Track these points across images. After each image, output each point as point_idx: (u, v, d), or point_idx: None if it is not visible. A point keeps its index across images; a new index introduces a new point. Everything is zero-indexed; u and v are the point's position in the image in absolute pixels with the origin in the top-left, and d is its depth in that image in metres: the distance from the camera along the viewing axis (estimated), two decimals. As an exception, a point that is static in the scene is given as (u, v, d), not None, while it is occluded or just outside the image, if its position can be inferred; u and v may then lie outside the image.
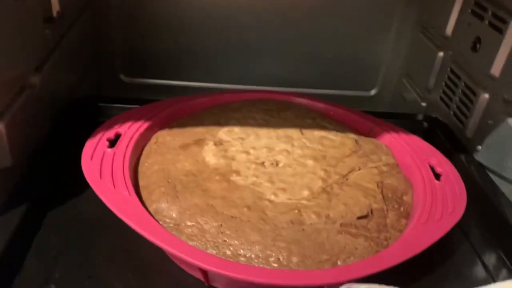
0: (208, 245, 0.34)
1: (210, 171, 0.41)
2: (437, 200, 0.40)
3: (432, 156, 0.46)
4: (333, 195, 0.39)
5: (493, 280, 0.39)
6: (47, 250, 0.38)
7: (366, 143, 0.47)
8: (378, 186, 0.41)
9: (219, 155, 0.43)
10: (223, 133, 0.46)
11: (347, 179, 0.41)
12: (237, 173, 0.40)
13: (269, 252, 0.33)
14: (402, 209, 0.40)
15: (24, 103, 0.44)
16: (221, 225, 0.35)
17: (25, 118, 0.44)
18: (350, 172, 0.42)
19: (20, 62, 0.43)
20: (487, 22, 0.53)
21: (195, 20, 0.71)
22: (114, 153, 0.41)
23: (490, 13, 0.52)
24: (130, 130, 0.45)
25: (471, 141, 0.55)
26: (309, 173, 0.41)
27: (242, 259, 0.33)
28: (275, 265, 0.33)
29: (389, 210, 0.39)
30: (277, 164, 0.42)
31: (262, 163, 0.42)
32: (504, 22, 0.50)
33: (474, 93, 0.54)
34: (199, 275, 0.35)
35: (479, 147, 0.54)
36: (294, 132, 0.47)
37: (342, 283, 0.30)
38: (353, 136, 0.48)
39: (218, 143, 0.44)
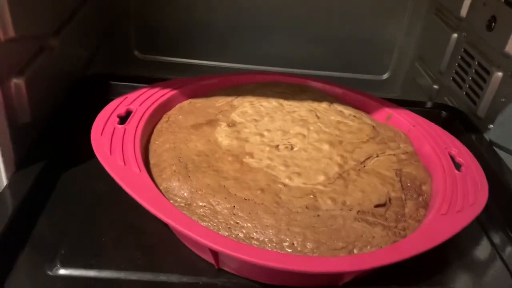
0: (220, 227, 0.33)
1: (222, 151, 0.39)
2: (457, 191, 0.38)
3: (452, 146, 0.44)
4: (350, 181, 0.37)
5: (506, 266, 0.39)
6: (55, 223, 0.37)
7: (384, 129, 0.46)
8: (396, 174, 0.39)
9: (232, 136, 0.41)
10: (237, 114, 0.45)
11: (364, 166, 0.40)
12: (251, 155, 0.39)
13: (283, 237, 0.32)
14: (421, 199, 0.38)
15: (43, 63, 0.44)
16: (234, 206, 0.34)
17: (43, 78, 0.44)
18: (367, 158, 0.41)
19: (40, 22, 0.43)
20: (503, 0, 0.52)
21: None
22: (125, 130, 0.40)
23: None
24: (142, 108, 0.44)
25: (483, 121, 0.55)
26: (325, 158, 0.40)
27: (255, 242, 0.32)
28: (289, 250, 0.32)
29: (408, 199, 0.37)
30: (292, 148, 0.41)
31: (277, 146, 0.41)
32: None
33: (487, 72, 0.54)
34: (209, 257, 0.34)
35: (491, 126, 0.53)
36: (309, 116, 0.45)
37: (357, 271, 0.29)
38: (370, 122, 0.46)
39: (231, 124, 0.43)
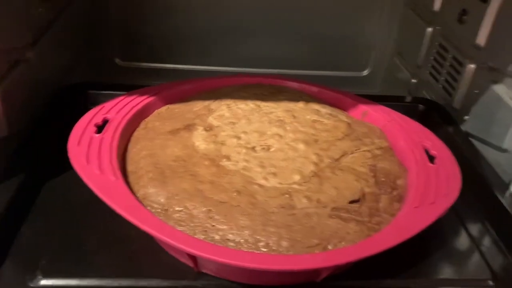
0: (197, 230, 0.33)
1: (199, 156, 0.40)
2: (430, 183, 0.39)
3: (426, 139, 0.45)
4: (325, 179, 0.38)
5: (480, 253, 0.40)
6: (36, 234, 0.37)
7: (359, 126, 0.47)
8: (370, 170, 0.40)
9: (209, 140, 0.42)
10: (214, 118, 0.45)
11: (339, 163, 0.40)
12: (227, 158, 0.40)
13: (258, 237, 0.33)
14: (395, 193, 0.39)
15: (19, 75, 0.44)
16: (210, 210, 0.34)
17: (20, 90, 0.44)
18: (342, 155, 0.41)
19: (14, 35, 0.43)
20: None
21: (190, 2, 0.71)
22: (102, 139, 0.41)
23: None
24: (118, 116, 0.44)
25: (458, 112, 0.56)
26: (301, 157, 0.40)
27: (231, 244, 0.32)
28: (265, 249, 0.32)
29: (382, 194, 0.38)
30: (268, 149, 0.41)
31: (253, 148, 0.41)
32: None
33: (461, 64, 0.55)
34: (188, 261, 0.34)
35: (466, 117, 0.55)
36: (286, 116, 0.46)
37: (332, 267, 0.30)
38: (346, 119, 0.47)
39: (208, 128, 0.44)
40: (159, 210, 0.35)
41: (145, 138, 0.43)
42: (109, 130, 0.42)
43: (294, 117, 0.46)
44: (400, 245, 0.33)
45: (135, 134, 0.44)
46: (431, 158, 0.43)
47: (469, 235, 0.42)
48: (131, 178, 0.38)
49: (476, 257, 0.40)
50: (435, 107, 0.58)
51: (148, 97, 0.48)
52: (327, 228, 0.34)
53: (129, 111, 0.45)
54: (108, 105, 0.46)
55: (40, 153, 0.45)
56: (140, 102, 0.47)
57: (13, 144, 0.43)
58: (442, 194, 0.38)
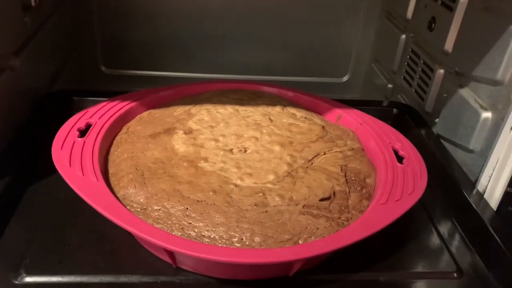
0: (174, 228, 0.35)
1: (178, 158, 0.42)
2: (398, 182, 0.41)
3: (396, 141, 0.48)
4: (298, 178, 0.40)
5: (447, 247, 0.42)
6: (20, 234, 0.39)
7: (333, 129, 0.49)
8: (341, 170, 0.42)
9: (189, 143, 0.44)
10: (194, 122, 0.47)
11: (312, 163, 0.43)
12: (205, 159, 0.42)
13: (232, 233, 0.35)
14: (364, 191, 0.41)
15: (4, 83, 0.45)
16: (187, 208, 0.36)
17: (4, 98, 0.45)
18: (315, 156, 0.43)
19: None
20: (439, 2, 0.56)
21: (172, 11, 0.73)
22: (84, 142, 0.42)
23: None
24: (101, 121, 0.46)
25: (430, 115, 0.59)
26: (276, 159, 0.42)
27: (206, 240, 0.34)
28: (238, 245, 0.34)
29: (352, 192, 0.40)
30: (245, 151, 0.43)
31: (231, 150, 0.43)
32: (454, 0, 0.53)
33: (431, 69, 0.58)
34: (166, 257, 0.36)
35: (437, 120, 0.57)
36: (263, 120, 0.48)
37: (302, 260, 0.32)
38: (320, 122, 0.49)
39: (188, 131, 0.46)
40: (138, 209, 0.37)
41: (127, 142, 0.45)
42: (91, 134, 0.43)
43: (271, 120, 0.48)
44: (371, 241, 0.35)
45: (117, 138, 0.46)
46: (400, 159, 0.45)
47: (437, 231, 0.44)
48: (112, 180, 0.40)
49: (443, 252, 0.42)
50: (408, 110, 0.61)
51: (130, 103, 0.50)
52: (298, 224, 0.36)
53: (111, 116, 0.47)
54: (91, 110, 0.47)
55: (25, 157, 0.46)
56: (123, 107, 0.49)
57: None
58: (408, 192, 0.40)
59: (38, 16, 0.56)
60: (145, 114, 0.50)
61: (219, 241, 0.34)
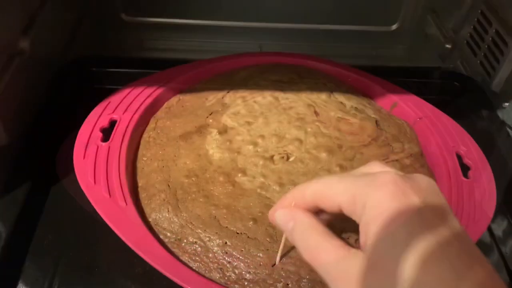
0: (212, 267, 0.32)
1: (213, 169, 0.37)
2: (463, 205, 0.36)
3: (461, 143, 0.41)
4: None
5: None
6: (47, 251, 0.36)
7: (388, 125, 0.43)
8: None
9: (224, 147, 0.39)
10: (228, 116, 0.41)
11: (364, 178, 0.37)
12: (243, 172, 0.37)
13: (276, 277, 0.31)
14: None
15: (14, 74, 0.40)
16: (226, 243, 0.33)
17: (17, 91, 0.40)
18: (368, 167, 0.38)
19: (4, 24, 0.38)
20: None
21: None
22: (109, 148, 0.38)
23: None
24: (126, 116, 0.41)
25: (497, 96, 0.51)
26: (323, 170, 0.37)
27: (248, 284, 0.31)
28: (283, 291, 0.31)
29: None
30: (287, 158, 0.38)
31: (271, 157, 0.38)
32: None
33: (505, 43, 0.49)
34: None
35: (506, 104, 0.50)
36: (307, 113, 0.42)
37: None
38: (373, 115, 0.43)
39: (223, 130, 0.40)
40: (172, 240, 0.33)
41: (156, 143, 0.40)
42: (116, 136, 0.39)
43: (316, 114, 0.42)
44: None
45: (145, 136, 0.41)
46: (465, 168, 0.40)
47: (490, 231, 0.39)
48: (142, 197, 0.36)
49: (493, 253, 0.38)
50: (471, 86, 0.53)
51: (157, 88, 0.44)
52: (349, 264, 0.32)
53: (137, 108, 0.42)
54: (114, 100, 0.42)
55: (44, 155, 0.42)
56: (149, 95, 0.43)
57: (16, 149, 0.40)
58: (474, 219, 0.35)
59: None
60: (174, 101, 0.44)
61: (262, 286, 0.31)
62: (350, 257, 0.23)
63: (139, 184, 0.37)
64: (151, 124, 0.42)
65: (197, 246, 0.33)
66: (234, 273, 0.32)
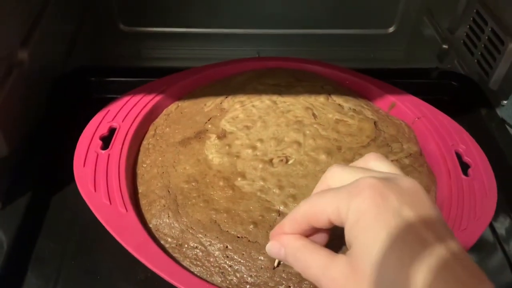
0: (213, 271, 0.32)
1: (213, 173, 0.37)
2: (463, 203, 0.36)
3: (459, 141, 0.41)
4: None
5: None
6: (49, 259, 0.36)
7: (387, 125, 0.43)
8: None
9: (223, 152, 0.39)
10: (227, 121, 0.42)
11: (364, 179, 0.37)
12: (243, 176, 0.37)
13: (278, 279, 0.31)
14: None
15: (14, 84, 0.40)
16: (227, 247, 0.32)
17: (17, 102, 0.41)
18: (367, 168, 0.38)
19: (3, 36, 0.39)
20: None
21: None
22: (109, 156, 0.38)
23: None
24: (125, 124, 0.41)
25: (495, 94, 0.51)
26: (322, 173, 0.37)
27: (250, 287, 0.31)
28: (285, 294, 0.31)
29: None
30: (287, 161, 0.38)
31: (270, 161, 0.38)
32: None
33: (501, 42, 0.49)
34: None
35: (504, 102, 0.50)
36: (305, 116, 0.42)
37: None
38: (372, 116, 0.43)
39: (222, 135, 0.40)
40: (173, 245, 0.33)
41: (155, 150, 0.40)
42: (115, 144, 0.39)
43: (315, 116, 0.42)
44: None
45: (144, 143, 0.41)
46: (464, 166, 0.40)
47: (492, 227, 0.39)
48: (143, 203, 0.36)
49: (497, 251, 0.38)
50: (468, 85, 0.53)
51: (155, 95, 0.44)
52: (351, 265, 0.32)
53: (136, 116, 0.42)
54: (113, 109, 0.42)
55: (45, 162, 0.43)
56: (148, 103, 0.43)
57: (16, 158, 0.41)
58: (475, 217, 0.35)
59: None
60: (172, 108, 0.44)
61: (264, 289, 0.31)
62: (334, 264, 0.23)
63: (139, 191, 0.37)
64: (150, 131, 0.42)
65: (198, 250, 0.33)
66: (236, 276, 0.31)
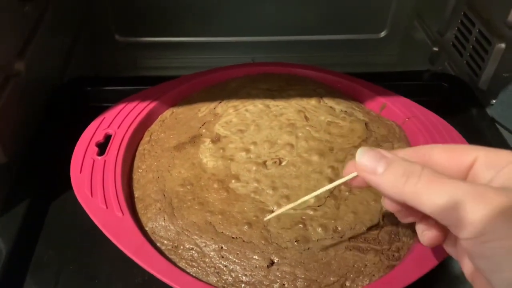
0: (209, 271, 0.32)
1: (207, 176, 0.38)
2: (454, 199, 0.37)
3: (450, 140, 0.42)
4: (342, 200, 0.36)
5: None
6: (49, 264, 0.37)
7: (378, 126, 0.43)
8: (390, 186, 0.37)
9: (217, 156, 0.39)
10: (220, 126, 0.42)
11: (356, 178, 0.38)
12: (237, 178, 0.38)
13: (273, 278, 0.32)
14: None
15: (11, 94, 0.40)
16: (222, 247, 0.33)
17: (14, 111, 0.41)
18: (359, 168, 0.39)
19: (1, 49, 0.39)
20: None
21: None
22: (105, 162, 0.39)
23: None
24: (120, 130, 0.42)
25: (485, 94, 0.52)
26: (315, 173, 0.38)
27: (245, 286, 0.31)
28: (280, 292, 0.31)
29: (402, 213, 0.36)
30: (280, 163, 0.39)
31: (264, 163, 0.39)
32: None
33: (489, 42, 0.50)
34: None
35: (493, 101, 0.51)
36: (298, 118, 0.43)
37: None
38: (363, 117, 0.44)
39: (216, 139, 0.41)
40: (169, 247, 0.34)
41: (150, 155, 0.41)
42: (111, 150, 0.40)
43: (307, 119, 0.43)
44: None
45: (140, 149, 0.42)
46: (455, 164, 0.40)
47: None
48: (139, 207, 0.37)
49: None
50: (459, 86, 0.54)
51: (150, 103, 0.45)
52: (344, 262, 0.32)
53: (131, 123, 0.43)
54: (108, 116, 0.43)
55: (43, 172, 0.43)
56: (142, 110, 0.44)
57: (14, 167, 0.41)
58: (466, 212, 0.36)
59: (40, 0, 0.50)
60: (167, 114, 0.45)
61: (259, 287, 0.31)
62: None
63: (136, 195, 0.38)
64: (146, 137, 0.43)
65: (193, 252, 0.33)
66: (231, 276, 0.32)
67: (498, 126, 0.49)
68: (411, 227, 0.36)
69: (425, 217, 0.26)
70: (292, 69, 0.51)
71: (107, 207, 0.35)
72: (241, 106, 0.44)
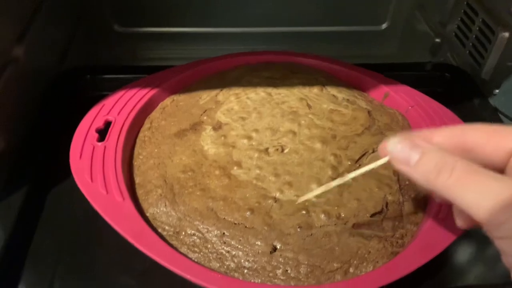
0: (211, 257, 0.32)
1: (209, 163, 0.37)
2: (458, 187, 0.36)
3: (453, 128, 0.42)
4: (345, 187, 0.36)
5: None
6: (47, 253, 0.36)
7: (380, 114, 0.43)
8: (394, 173, 0.37)
9: (219, 143, 0.39)
10: (222, 113, 0.42)
11: (359, 165, 0.38)
12: (239, 165, 0.37)
13: (275, 263, 0.31)
14: (419, 197, 0.36)
15: (9, 81, 0.40)
16: (224, 233, 0.33)
17: (12, 99, 0.41)
18: (363, 155, 0.38)
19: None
20: None
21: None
22: (105, 147, 0.38)
23: None
24: (121, 117, 0.41)
25: (487, 84, 0.51)
26: (318, 160, 0.38)
27: (248, 272, 0.31)
28: (283, 277, 0.31)
29: (405, 201, 0.36)
30: (282, 150, 0.39)
31: (266, 150, 0.38)
32: None
33: (492, 32, 0.49)
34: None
35: (496, 91, 0.50)
36: (300, 106, 0.43)
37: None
38: (365, 106, 0.44)
39: (217, 126, 0.41)
40: (171, 233, 0.33)
41: (151, 142, 0.40)
42: (111, 136, 0.39)
43: (309, 107, 0.43)
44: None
45: (141, 135, 0.41)
46: (458, 152, 0.40)
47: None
48: (140, 193, 0.36)
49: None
50: (461, 76, 0.54)
51: (150, 90, 0.44)
52: (348, 248, 0.32)
53: (131, 109, 0.42)
54: (108, 102, 0.42)
55: (42, 157, 0.43)
56: (143, 96, 0.43)
57: (12, 154, 0.41)
58: (470, 200, 0.35)
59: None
60: (168, 101, 0.45)
61: (262, 273, 0.31)
62: None
63: (136, 182, 0.38)
64: (146, 124, 0.42)
65: (195, 237, 0.33)
66: (233, 262, 0.32)
67: (501, 115, 0.48)
68: (415, 214, 0.35)
69: None
70: (294, 57, 0.50)
71: (107, 192, 0.34)
72: (242, 94, 0.44)
